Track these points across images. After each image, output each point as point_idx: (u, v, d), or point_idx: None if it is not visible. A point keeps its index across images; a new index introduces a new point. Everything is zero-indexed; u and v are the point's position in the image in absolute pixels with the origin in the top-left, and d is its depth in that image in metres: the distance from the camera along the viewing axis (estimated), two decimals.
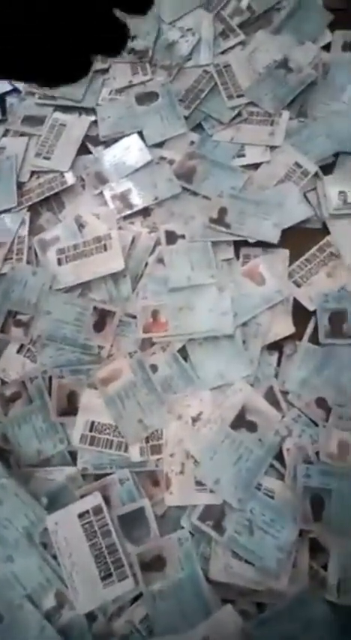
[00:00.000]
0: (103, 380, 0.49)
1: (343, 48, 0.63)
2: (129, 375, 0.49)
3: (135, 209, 0.57)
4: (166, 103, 0.61)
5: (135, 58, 0.64)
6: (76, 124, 0.62)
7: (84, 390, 0.49)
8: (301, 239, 0.54)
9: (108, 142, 0.61)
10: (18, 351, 0.52)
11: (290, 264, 0.53)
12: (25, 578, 0.44)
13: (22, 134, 0.62)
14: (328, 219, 0.54)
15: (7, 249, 0.56)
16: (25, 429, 0.49)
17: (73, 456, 0.48)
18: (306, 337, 0.50)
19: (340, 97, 0.60)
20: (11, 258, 0.56)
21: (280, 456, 0.46)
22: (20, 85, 0.64)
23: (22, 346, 0.52)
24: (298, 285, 0.52)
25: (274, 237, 0.53)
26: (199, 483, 0.45)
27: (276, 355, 0.50)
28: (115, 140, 0.60)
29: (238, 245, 0.54)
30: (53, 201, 0.59)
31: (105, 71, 0.64)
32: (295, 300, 0.51)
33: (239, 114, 0.60)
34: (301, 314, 0.51)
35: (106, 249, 0.54)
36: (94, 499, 0.45)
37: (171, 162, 0.59)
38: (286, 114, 0.59)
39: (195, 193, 0.57)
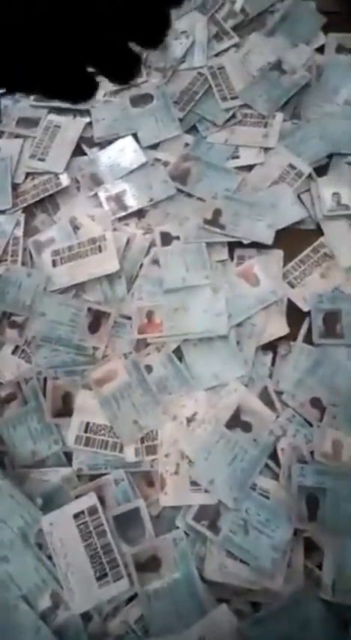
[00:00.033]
0: (97, 381, 0.49)
1: (336, 50, 0.63)
2: (124, 376, 0.49)
3: (130, 210, 0.57)
4: (160, 105, 0.61)
5: None
6: (71, 125, 0.62)
7: (79, 390, 0.49)
8: (295, 240, 0.54)
9: (103, 144, 0.61)
10: (13, 352, 0.52)
11: (284, 265, 0.53)
12: (20, 578, 0.44)
13: (17, 136, 0.63)
14: (321, 221, 0.54)
15: (1, 250, 0.56)
16: (20, 430, 0.49)
17: (68, 456, 0.48)
18: (300, 338, 0.50)
19: (333, 99, 0.60)
20: (6, 260, 0.56)
21: (274, 456, 0.46)
22: None
23: (16, 347, 0.52)
24: (293, 286, 0.52)
25: (268, 238, 0.53)
26: (194, 483, 0.45)
27: (270, 355, 0.50)
28: (110, 142, 0.61)
29: (233, 246, 0.54)
30: (48, 202, 0.59)
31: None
32: (289, 300, 0.52)
33: (233, 116, 0.60)
34: (295, 314, 0.51)
35: (100, 251, 0.54)
36: (89, 499, 0.45)
37: (166, 163, 0.59)
38: (279, 116, 0.59)
39: (189, 195, 0.57)
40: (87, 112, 0.63)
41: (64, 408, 0.49)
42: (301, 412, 0.47)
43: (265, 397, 0.48)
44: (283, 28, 0.65)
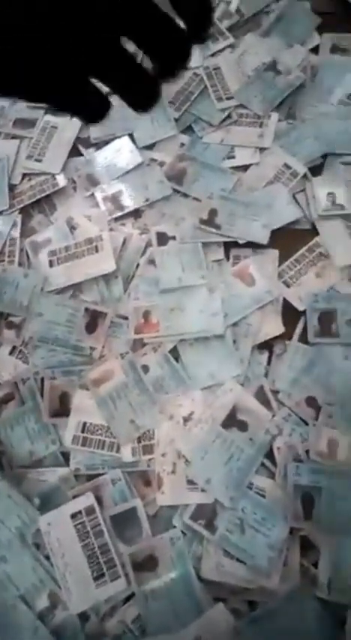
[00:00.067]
0: (94, 381, 0.50)
1: (331, 50, 0.63)
2: (121, 376, 0.49)
3: (126, 211, 0.57)
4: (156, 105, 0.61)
5: None
6: (68, 126, 0.62)
7: (76, 391, 0.50)
8: (290, 240, 0.54)
9: (99, 144, 0.61)
10: (10, 353, 0.52)
11: (280, 265, 0.53)
12: (18, 578, 0.44)
13: (14, 137, 0.63)
14: (317, 220, 0.54)
15: None
16: (18, 430, 0.49)
17: (66, 456, 0.48)
18: (296, 337, 0.50)
19: (328, 99, 0.60)
20: (3, 261, 0.56)
21: (270, 455, 0.46)
22: None
23: (14, 348, 0.52)
24: (288, 286, 0.52)
25: (263, 238, 0.53)
26: (190, 483, 0.45)
27: (266, 355, 0.50)
28: (106, 142, 0.61)
29: (229, 246, 0.54)
30: (45, 203, 0.59)
31: None
32: (284, 300, 0.52)
33: (229, 116, 0.60)
34: (290, 314, 0.51)
35: (97, 251, 0.54)
36: (87, 499, 0.45)
37: (161, 164, 0.59)
38: (275, 116, 0.59)
39: (185, 195, 0.58)
40: None
41: (62, 408, 0.49)
42: (296, 411, 0.48)
43: (261, 396, 0.48)
44: (278, 28, 0.65)
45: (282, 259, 0.54)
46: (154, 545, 0.44)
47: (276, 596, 0.42)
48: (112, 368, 0.50)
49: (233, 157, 0.59)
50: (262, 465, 0.46)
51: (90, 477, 0.47)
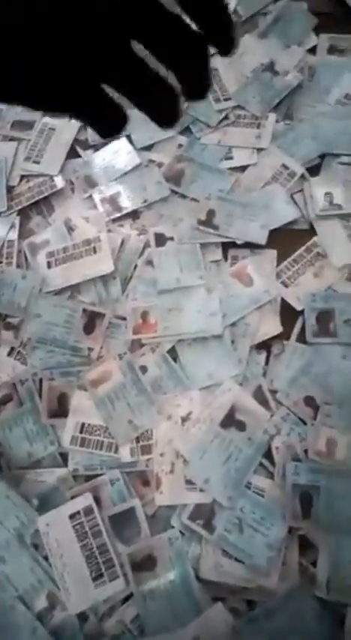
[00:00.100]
0: (93, 381, 0.50)
1: (328, 51, 0.64)
2: (119, 377, 0.49)
3: (124, 212, 0.57)
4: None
5: None
6: (66, 128, 0.62)
7: (74, 391, 0.50)
8: (288, 240, 0.54)
9: (97, 146, 0.61)
10: (8, 354, 0.52)
11: (278, 265, 0.53)
12: (16, 579, 0.44)
13: (12, 139, 0.63)
14: (314, 220, 0.55)
15: None
16: (16, 431, 0.49)
17: (64, 457, 0.48)
18: (294, 337, 0.51)
19: (325, 100, 0.60)
20: (1, 262, 0.56)
21: (269, 455, 0.46)
22: None
23: (12, 349, 0.53)
24: (286, 286, 0.52)
25: (261, 238, 0.54)
26: (189, 482, 0.45)
27: (264, 355, 0.50)
28: (104, 144, 0.61)
29: (226, 246, 0.55)
30: (43, 204, 0.59)
31: None
32: (282, 300, 0.52)
33: (226, 117, 0.61)
34: (288, 314, 0.51)
35: (95, 252, 0.54)
36: (85, 500, 0.45)
37: (160, 165, 0.59)
38: (272, 116, 0.60)
39: (183, 196, 0.58)
40: None
41: (60, 408, 0.49)
42: (295, 411, 0.48)
43: (259, 396, 0.48)
44: (275, 29, 0.65)
45: (280, 259, 0.54)
46: (152, 545, 0.44)
47: (275, 596, 0.42)
48: (110, 368, 0.50)
49: (231, 158, 0.59)
50: (261, 464, 0.46)
51: (88, 478, 0.47)
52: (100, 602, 0.43)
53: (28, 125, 0.63)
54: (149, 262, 0.54)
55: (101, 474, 0.47)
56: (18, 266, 0.56)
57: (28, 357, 0.52)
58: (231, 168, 0.59)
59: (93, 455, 0.48)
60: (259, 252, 0.54)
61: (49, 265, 0.55)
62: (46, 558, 0.44)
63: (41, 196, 0.59)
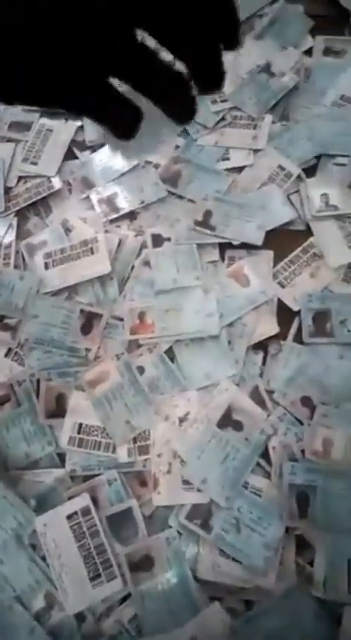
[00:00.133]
0: (90, 382, 0.50)
1: (324, 53, 0.64)
2: (116, 377, 0.50)
3: (121, 213, 0.57)
4: (150, 107, 0.62)
5: None
6: (63, 129, 0.62)
7: (72, 392, 0.50)
8: (284, 240, 0.54)
9: (94, 147, 0.62)
10: (6, 355, 0.52)
11: (274, 266, 0.54)
12: (14, 579, 0.44)
13: (9, 140, 0.63)
14: (311, 221, 0.55)
15: None
16: (14, 431, 0.49)
17: (62, 457, 0.48)
18: (290, 337, 0.51)
19: (321, 101, 0.61)
20: None
21: (266, 455, 0.46)
22: None
23: (9, 350, 0.53)
24: (283, 286, 0.53)
25: (258, 238, 0.54)
26: (186, 483, 0.46)
27: (261, 355, 0.50)
28: (102, 145, 0.61)
29: (223, 247, 0.55)
30: (40, 205, 0.60)
31: None
32: (279, 300, 0.52)
33: (223, 118, 0.61)
34: (285, 314, 0.51)
35: (92, 253, 0.54)
36: (83, 500, 0.45)
37: (156, 166, 0.59)
38: (268, 118, 0.60)
39: (180, 197, 0.58)
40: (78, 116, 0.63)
41: (58, 409, 0.50)
42: (291, 411, 0.48)
43: (256, 396, 0.48)
44: (271, 31, 0.65)
45: (276, 260, 0.54)
46: (150, 546, 0.44)
47: (272, 595, 0.42)
48: (108, 369, 0.50)
49: (228, 159, 0.59)
50: (258, 464, 0.46)
51: (86, 478, 0.47)
52: (97, 603, 0.43)
53: (26, 126, 0.63)
54: (146, 263, 0.55)
55: (99, 475, 0.47)
56: (15, 267, 0.56)
57: (25, 357, 0.52)
58: (228, 169, 0.59)
59: (90, 455, 0.48)
60: (256, 253, 0.54)
61: (46, 266, 0.55)
62: (43, 559, 0.44)
63: (39, 197, 0.59)
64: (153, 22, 0.23)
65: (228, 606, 0.42)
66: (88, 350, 0.51)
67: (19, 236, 0.58)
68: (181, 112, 0.26)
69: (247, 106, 0.61)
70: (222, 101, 0.61)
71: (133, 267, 0.55)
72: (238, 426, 0.47)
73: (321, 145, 0.58)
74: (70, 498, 0.45)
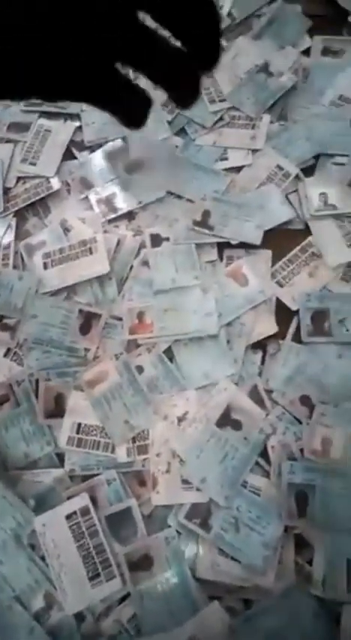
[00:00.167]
0: (89, 382, 0.50)
1: (322, 52, 0.64)
2: (115, 377, 0.50)
3: (120, 213, 0.57)
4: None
5: None
6: (61, 129, 0.62)
7: (71, 392, 0.50)
8: (283, 240, 0.54)
9: (93, 147, 0.62)
10: (5, 355, 0.52)
11: (273, 265, 0.54)
12: (13, 579, 0.44)
13: (8, 140, 0.63)
14: (309, 220, 0.55)
15: None
16: (13, 431, 0.49)
17: (61, 457, 0.48)
18: (289, 336, 0.51)
19: (319, 101, 0.61)
20: None
21: (265, 454, 0.46)
22: None
23: (8, 350, 0.53)
24: (281, 285, 0.53)
25: (256, 238, 0.54)
26: (185, 482, 0.46)
27: (260, 354, 0.50)
28: (100, 145, 0.61)
29: (222, 247, 0.55)
30: (39, 206, 0.60)
31: None
32: (277, 299, 0.52)
33: (221, 118, 0.61)
34: (283, 313, 0.52)
35: (91, 253, 0.54)
36: (82, 500, 0.45)
37: None
38: (267, 117, 0.60)
39: (179, 197, 0.58)
40: (77, 116, 0.63)
41: (56, 409, 0.50)
42: (290, 410, 0.48)
43: (254, 395, 0.48)
44: (269, 31, 0.65)
45: (275, 259, 0.54)
46: (149, 545, 0.44)
47: (271, 594, 0.42)
48: (107, 369, 0.50)
49: (226, 159, 0.59)
50: (257, 463, 0.46)
51: (85, 478, 0.47)
52: (97, 602, 0.43)
53: (25, 127, 0.63)
54: (145, 263, 0.55)
55: (98, 474, 0.47)
56: (14, 267, 0.56)
57: (24, 357, 0.52)
58: (226, 169, 0.59)
59: (89, 455, 0.48)
60: (254, 253, 0.54)
61: (45, 266, 0.55)
62: (42, 558, 0.44)
63: (37, 198, 0.59)
64: (155, 3, 0.23)
65: (227, 605, 0.42)
66: (86, 350, 0.51)
67: (18, 236, 0.58)
68: (185, 93, 0.26)
69: (246, 106, 0.61)
70: (220, 101, 0.61)
71: (131, 267, 0.55)
72: (237, 426, 0.47)
73: (319, 144, 0.58)
74: (69, 498, 0.45)
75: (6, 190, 0.60)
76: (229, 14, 0.66)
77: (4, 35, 0.23)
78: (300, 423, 0.47)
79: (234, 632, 0.41)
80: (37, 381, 0.51)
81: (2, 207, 0.59)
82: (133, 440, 0.48)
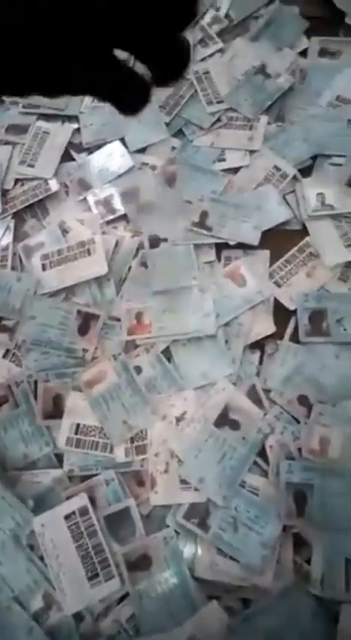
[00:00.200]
0: (87, 382, 0.50)
1: (319, 54, 0.64)
2: (113, 377, 0.50)
3: (118, 214, 0.58)
4: (147, 109, 0.62)
5: None
6: (60, 131, 0.63)
7: (69, 392, 0.50)
8: (280, 240, 0.55)
9: (91, 149, 0.62)
10: (3, 356, 0.53)
11: (270, 265, 0.54)
12: (12, 580, 0.44)
13: (6, 142, 0.63)
14: (307, 221, 0.55)
15: None
16: (12, 432, 0.49)
17: (59, 458, 0.48)
18: (287, 336, 0.51)
19: (316, 102, 0.61)
20: None
21: (263, 453, 0.47)
22: None
23: (7, 351, 0.53)
24: (279, 286, 0.53)
25: (254, 239, 0.54)
26: (183, 482, 0.46)
27: (258, 354, 0.50)
28: (98, 147, 0.61)
29: (220, 247, 0.55)
30: (37, 207, 0.60)
31: None
32: (275, 300, 0.52)
33: (219, 119, 0.61)
34: (281, 313, 0.52)
35: (89, 254, 0.54)
36: (80, 500, 0.45)
37: (153, 167, 0.60)
38: (264, 119, 0.60)
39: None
40: (75, 118, 0.63)
41: (55, 410, 0.50)
42: (288, 409, 0.48)
43: (253, 395, 0.48)
44: (267, 32, 0.66)
45: (273, 260, 0.54)
46: (147, 545, 0.44)
47: (269, 594, 0.42)
48: (105, 369, 0.50)
49: (224, 160, 0.60)
50: (255, 463, 0.46)
51: (83, 478, 0.47)
52: (95, 602, 0.43)
53: (23, 129, 0.63)
54: (143, 264, 0.55)
55: (96, 475, 0.47)
56: (13, 268, 0.56)
57: (23, 358, 0.52)
58: (224, 170, 0.59)
59: (88, 455, 0.48)
60: (252, 253, 0.54)
61: (43, 267, 0.55)
62: (41, 559, 0.44)
63: (36, 199, 0.59)
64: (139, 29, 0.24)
65: (226, 605, 0.42)
66: (85, 350, 0.51)
67: (17, 238, 0.58)
68: (173, 66, 0.26)
69: (243, 107, 0.61)
70: (218, 102, 0.62)
71: (130, 268, 0.55)
72: (235, 425, 0.47)
73: (316, 145, 0.58)
74: (67, 498, 0.46)
75: (4, 192, 0.60)
76: (227, 16, 0.67)
77: (4, 35, 0.23)
78: (298, 422, 0.47)
79: (233, 632, 0.41)
80: (35, 382, 0.51)
81: (1, 208, 0.59)
82: (132, 440, 0.48)
